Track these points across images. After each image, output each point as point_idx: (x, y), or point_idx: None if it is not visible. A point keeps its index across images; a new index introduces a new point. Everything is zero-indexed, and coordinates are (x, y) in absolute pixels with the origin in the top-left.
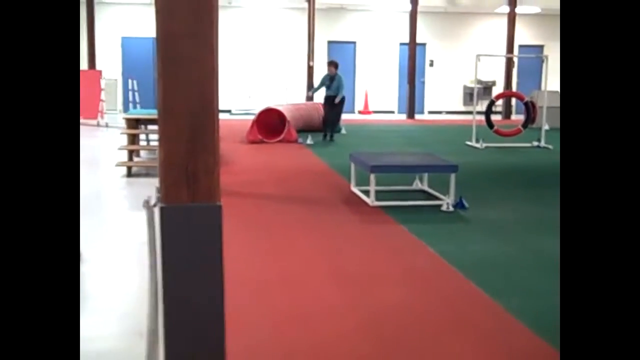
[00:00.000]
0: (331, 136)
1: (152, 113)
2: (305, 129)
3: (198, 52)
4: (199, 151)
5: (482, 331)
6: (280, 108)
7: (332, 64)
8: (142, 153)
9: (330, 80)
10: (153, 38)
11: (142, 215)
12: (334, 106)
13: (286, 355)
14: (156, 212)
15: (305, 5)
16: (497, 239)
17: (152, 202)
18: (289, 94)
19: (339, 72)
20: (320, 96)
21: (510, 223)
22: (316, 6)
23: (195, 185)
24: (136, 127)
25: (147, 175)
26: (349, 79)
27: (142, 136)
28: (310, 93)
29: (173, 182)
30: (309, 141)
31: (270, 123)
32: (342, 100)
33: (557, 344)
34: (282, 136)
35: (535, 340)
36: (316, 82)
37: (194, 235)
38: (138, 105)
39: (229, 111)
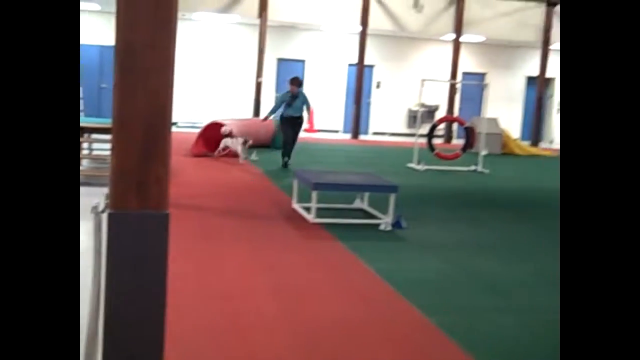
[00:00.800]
0: (286, 163)
1: (97, 121)
2: (251, 144)
3: (156, 63)
4: (151, 160)
5: (414, 347)
6: (227, 123)
7: (295, 81)
8: (84, 162)
9: (292, 99)
10: (100, 46)
11: (85, 223)
12: (295, 127)
13: None
14: (104, 218)
15: (257, 21)
16: (433, 259)
17: (100, 208)
18: (236, 109)
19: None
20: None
21: (446, 243)
22: (268, 23)
23: (144, 193)
24: (80, 136)
25: (88, 184)
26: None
27: (85, 145)
28: (269, 116)
29: (123, 190)
30: (253, 156)
31: (216, 137)
32: (302, 120)
33: (479, 358)
34: (227, 151)
35: (464, 357)
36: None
37: (141, 242)
38: (82, 113)
39: (174, 123)
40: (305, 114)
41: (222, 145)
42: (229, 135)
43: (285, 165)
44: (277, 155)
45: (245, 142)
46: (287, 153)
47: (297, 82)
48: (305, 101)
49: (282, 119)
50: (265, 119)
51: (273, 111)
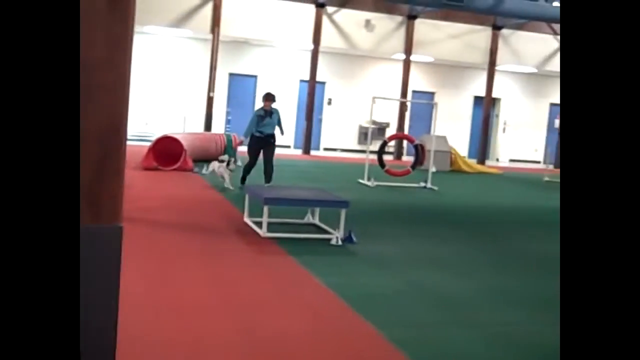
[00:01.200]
0: (270, 180)
1: None
2: (202, 158)
3: (112, 80)
4: (105, 175)
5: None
6: (177, 137)
7: (269, 97)
8: None
9: (265, 115)
10: None
11: None
12: (270, 146)
13: None
14: None
15: (210, 36)
16: (383, 273)
17: None
18: (187, 123)
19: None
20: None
21: (396, 258)
22: (220, 38)
23: (98, 207)
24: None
25: None
26: (248, 112)
27: None
28: (243, 138)
29: None
30: (204, 171)
31: (166, 151)
32: (275, 140)
33: None
34: (178, 164)
35: None
36: (217, 113)
37: (94, 255)
38: None
39: None
40: (277, 133)
41: (210, 168)
42: (222, 160)
43: (244, 183)
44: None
45: (228, 163)
46: (266, 175)
47: (271, 97)
48: (279, 119)
49: (253, 137)
50: (241, 142)
51: (249, 130)
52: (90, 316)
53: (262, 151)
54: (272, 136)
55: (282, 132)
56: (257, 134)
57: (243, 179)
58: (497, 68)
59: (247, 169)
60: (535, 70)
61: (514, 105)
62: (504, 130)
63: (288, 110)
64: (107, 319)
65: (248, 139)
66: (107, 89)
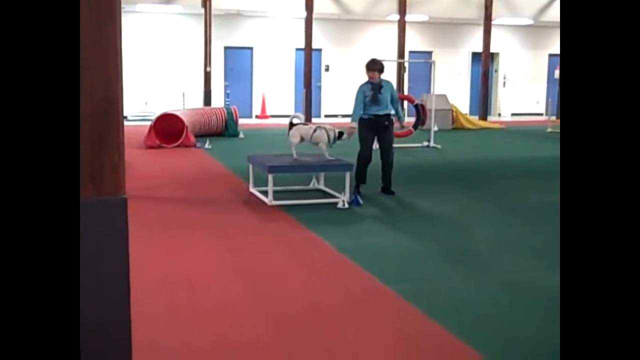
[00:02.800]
0: (389, 189)
1: None
2: (204, 133)
3: (103, 57)
4: (104, 148)
5: (377, 317)
6: (178, 113)
7: (374, 66)
8: None
9: (376, 91)
10: None
11: None
12: (386, 130)
13: (188, 349)
14: None
15: (202, 11)
16: (391, 232)
17: None
18: (187, 100)
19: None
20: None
21: (403, 216)
22: (212, 12)
23: (100, 180)
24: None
25: None
26: (247, 84)
27: None
28: (355, 125)
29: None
30: (207, 145)
31: (168, 128)
32: (392, 122)
33: (446, 324)
34: (180, 141)
35: (426, 321)
36: (215, 87)
37: (100, 229)
38: None
39: (125, 117)
40: (395, 109)
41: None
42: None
43: (358, 193)
44: (229, 143)
45: (340, 135)
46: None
47: (377, 66)
48: (393, 96)
49: (361, 120)
50: (352, 133)
51: (356, 112)
52: (103, 289)
53: (376, 138)
54: (388, 117)
55: (399, 117)
56: (366, 117)
57: (357, 184)
58: (493, 22)
59: (360, 164)
60: (532, 22)
61: (513, 59)
62: (504, 84)
63: (286, 79)
64: (119, 291)
65: (357, 123)
66: (99, 65)
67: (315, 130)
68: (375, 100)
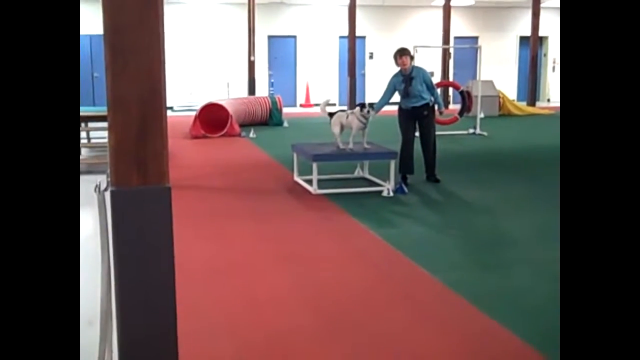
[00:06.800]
0: (434, 177)
1: (92, 110)
2: (248, 123)
3: (145, 42)
4: (148, 136)
5: (422, 304)
6: (222, 103)
7: (402, 54)
8: (84, 151)
9: (407, 82)
10: (89, 35)
11: (88, 211)
12: (424, 119)
13: (233, 333)
14: (107, 196)
15: (246, 0)
16: (436, 220)
17: (103, 187)
18: (231, 89)
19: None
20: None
21: (448, 205)
22: (256, 1)
23: (145, 168)
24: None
25: (89, 172)
26: (290, 73)
27: (83, 134)
28: (376, 110)
29: (123, 167)
30: (251, 135)
31: (212, 118)
32: (430, 111)
33: (489, 311)
34: (224, 130)
35: (469, 309)
36: (259, 76)
37: (145, 217)
38: None
39: (170, 108)
40: (433, 98)
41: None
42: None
43: (404, 182)
44: (273, 132)
45: (364, 107)
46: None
47: (405, 53)
48: (428, 84)
49: (400, 109)
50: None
51: (379, 104)
52: (148, 276)
53: (417, 125)
54: (426, 107)
55: (439, 106)
56: (404, 107)
57: (403, 175)
58: (542, 5)
59: (403, 154)
60: None
61: None
62: (553, 69)
63: (330, 67)
64: (165, 278)
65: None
66: (142, 51)
67: (347, 117)
68: (407, 94)
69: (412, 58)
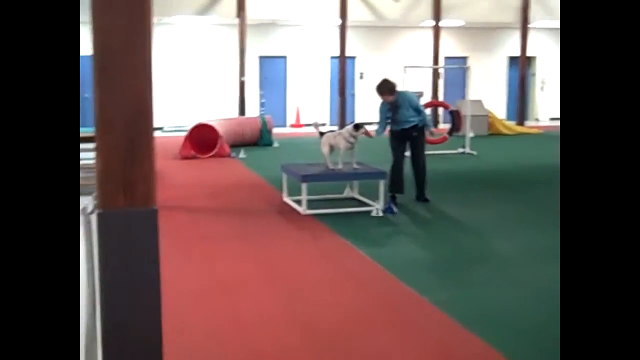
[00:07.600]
0: (423, 197)
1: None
2: (238, 143)
3: (134, 64)
4: (135, 158)
5: (412, 325)
6: (212, 123)
7: (384, 90)
8: None
9: (395, 110)
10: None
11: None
12: (415, 140)
13: (223, 357)
14: (93, 219)
15: (236, 21)
16: (425, 239)
17: (89, 209)
18: (221, 109)
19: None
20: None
21: (437, 224)
22: (247, 22)
23: (132, 190)
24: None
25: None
26: (281, 94)
27: None
28: (377, 134)
29: (110, 189)
30: (241, 155)
31: (203, 139)
32: (421, 131)
33: (479, 332)
34: (214, 151)
35: (461, 331)
36: (250, 97)
37: (131, 239)
38: None
39: (160, 128)
40: (421, 119)
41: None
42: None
43: (393, 202)
44: (263, 153)
45: (357, 128)
46: (419, 186)
47: (386, 90)
48: (414, 105)
49: (392, 132)
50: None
51: (380, 127)
52: (134, 299)
53: (407, 145)
54: (414, 128)
55: (426, 127)
56: (394, 129)
57: (392, 195)
58: (530, 26)
59: (394, 174)
60: None
61: (551, 62)
62: (542, 88)
63: (321, 88)
64: (151, 301)
65: (381, 135)
66: (130, 73)
67: (335, 137)
68: (395, 119)
69: (392, 91)
